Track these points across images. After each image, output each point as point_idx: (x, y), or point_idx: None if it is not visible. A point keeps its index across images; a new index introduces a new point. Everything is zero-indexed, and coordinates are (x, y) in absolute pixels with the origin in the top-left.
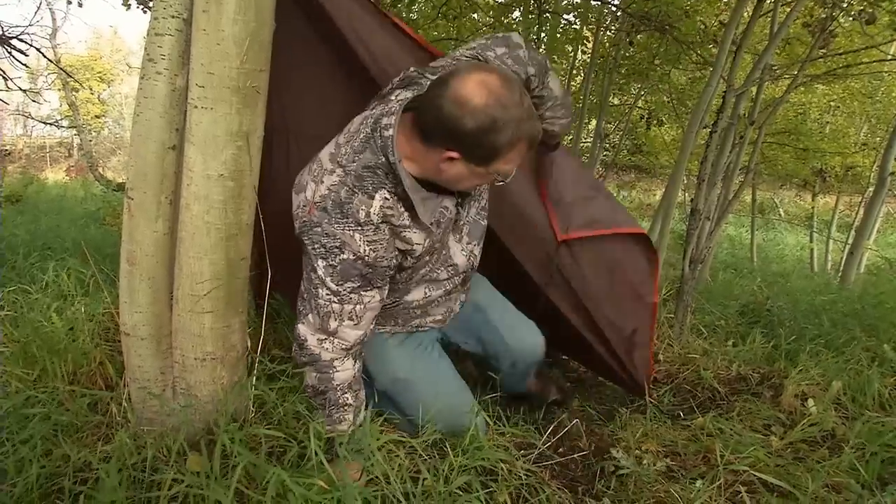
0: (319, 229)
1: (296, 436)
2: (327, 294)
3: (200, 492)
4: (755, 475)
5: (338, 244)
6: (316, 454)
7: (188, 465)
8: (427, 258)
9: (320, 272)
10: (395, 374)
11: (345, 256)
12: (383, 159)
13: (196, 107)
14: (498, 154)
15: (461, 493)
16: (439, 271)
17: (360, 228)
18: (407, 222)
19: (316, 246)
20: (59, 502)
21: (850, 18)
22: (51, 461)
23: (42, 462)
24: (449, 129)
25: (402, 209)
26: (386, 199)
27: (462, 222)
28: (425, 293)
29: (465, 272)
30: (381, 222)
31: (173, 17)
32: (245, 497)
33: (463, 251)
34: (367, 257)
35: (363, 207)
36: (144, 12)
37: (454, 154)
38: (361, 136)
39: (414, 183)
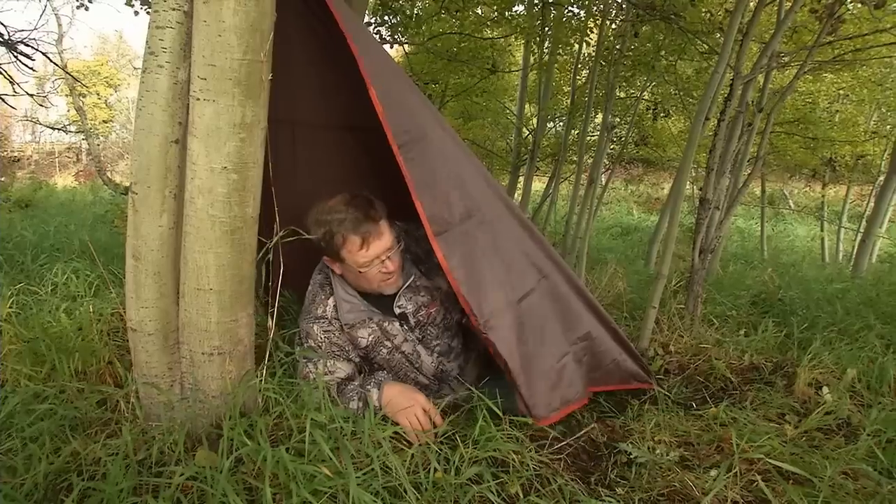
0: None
1: (301, 427)
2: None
3: (206, 487)
4: (771, 463)
5: (303, 335)
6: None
7: (196, 460)
8: (388, 356)
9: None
10: None
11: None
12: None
13: (198, 99)
14: (336, 248)
15: (472, 483)
16: (420, 378)
17: (318, 321)
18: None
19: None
20: (66, 498)
21: (859, 3)
22: (59, 458)
23: (51, 459)
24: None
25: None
26: (335, 303)
27: (435, 343)
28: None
29: (439, 378)
30: (334, 318)
31: (174, 9)
32: (253, 490)
33: (433, 363)
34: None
35: (321, 307)
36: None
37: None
38: (320, 263)
39: (345, 292)
